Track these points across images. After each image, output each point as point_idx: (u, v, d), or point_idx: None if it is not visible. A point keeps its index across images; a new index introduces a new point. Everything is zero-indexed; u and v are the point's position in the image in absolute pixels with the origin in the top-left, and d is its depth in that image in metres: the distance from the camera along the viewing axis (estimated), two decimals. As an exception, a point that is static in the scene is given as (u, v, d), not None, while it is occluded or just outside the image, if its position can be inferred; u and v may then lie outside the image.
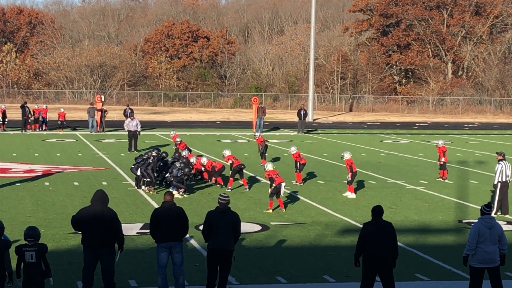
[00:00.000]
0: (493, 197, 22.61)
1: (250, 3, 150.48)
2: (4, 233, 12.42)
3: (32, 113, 50.07)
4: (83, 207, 13.69)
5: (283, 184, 22.15)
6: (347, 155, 25.41)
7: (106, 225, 12.98)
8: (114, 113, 61.72)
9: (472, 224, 13.42)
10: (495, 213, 21.37)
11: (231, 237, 13.41)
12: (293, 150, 27.93)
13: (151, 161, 24.75)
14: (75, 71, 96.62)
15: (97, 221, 12.93)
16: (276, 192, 22.09)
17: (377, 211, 13.02)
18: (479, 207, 22.47)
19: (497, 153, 22.84)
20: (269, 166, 22.88)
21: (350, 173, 25.07)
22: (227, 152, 27.14)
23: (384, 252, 12.73)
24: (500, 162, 22.04)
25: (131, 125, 38.91)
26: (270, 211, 22.00)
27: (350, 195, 24.99)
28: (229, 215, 13.50)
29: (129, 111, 49.61)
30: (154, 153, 25.18)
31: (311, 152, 38.87)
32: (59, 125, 50.78)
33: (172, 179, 24.23)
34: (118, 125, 53.70)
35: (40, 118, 50.73)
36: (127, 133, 39.23)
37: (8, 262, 12.10)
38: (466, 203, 23.95)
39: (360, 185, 27.56)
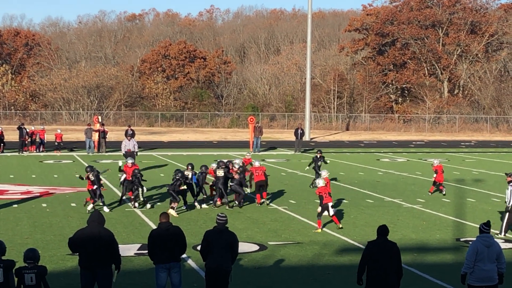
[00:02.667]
0: (502, 219, 22.37)
1: (246, 23, 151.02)
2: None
3: (29, 134, 50.07)
4: (80, 228, 13.67)
5: (330, 204, 22.16)
6: (320, 183, 23.17)
7: (103, 246, 12.97)
8: (112, 134, 61.71)
9: (470, 243, 13.40)
10: (504, 235, 21.32)
11: (228, 256, 13.40)
12: (257, 164, 28.03)
13: (174, 182, 25.06)
14: (72, 92, 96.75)
15: (94, 242, 12.91)
16: (323, 211, 22.13)
17: (382, 230, 12.99)
18: (477, 225, 22.48)
19: (506, 174, 22.55)
20: (321, 183, 22.75)
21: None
22: (257, 163, 27.67)
23: (387, 272, 12.69)
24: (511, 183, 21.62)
25: (128, 145, 38.91)
26: (319, 230, 22.03)
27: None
28: (227, 235, 13.50)
29: (131, 132, 49.75)
30: (179, 175, 25.27)
31: (308, 171, 38.86)
32: (56, 146, 50.71)
33: (168, 188, 25.03)
34: (116, 146, 53.70)
35: (38, 140, 50.70)
36: (123, 153, 39.21)
37: (12, 282, 12.02)
38: (463, 221, 23.95)
39: (358, 204, 27.56)
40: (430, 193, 30.50)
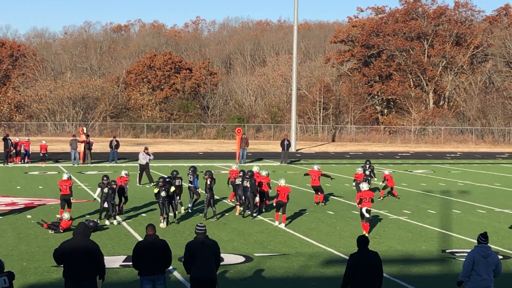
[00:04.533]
0: None
1: (232, 34, 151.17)
2: None
3: (14, 145, 49.84)
4: (65, 240, 13.59)
5: (364, 208, 23.04)
6: (364, 186, 24.39)
7: (88, 258, 12.91)
8: (97, 145, 61.55)
9: (468, 252, 13.46)
10: None
11: (213, 265, 13.40)
12: (316, 168, 30.70)
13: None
14: (57, 103, 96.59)
15: (80, 254, 12.84)
16: (362, 214, 23.17)
17: (362, 241, 13.00)
18: (463, 237, 22.57)
19: None
20: (365, 187, 23.53)
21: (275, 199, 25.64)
22: (315, 167, 30.80)
23: (369, 283, 12.68)
24: None
25: (144, 159, 38.85)
26: (364, 233, 22.96)
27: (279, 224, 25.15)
28: (210, 244, 13.51)
29: (115, 142, 49.70)
30: (160, 181, 25.11)
31: (294, 182, 38.87)
32: (41, 157, 50.54)
33: (159, 199, 24.75)
34: (102, 157, 53.56)
35: (22, 151, 50.47)
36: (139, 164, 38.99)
37: None
38: (449, 233, 23.97)
39: (343, 215, 27.57)
40: (381, 198, 32.39)
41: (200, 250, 13.32)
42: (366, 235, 22.81)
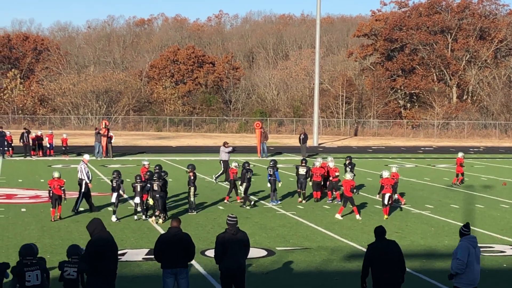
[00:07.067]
0: None
1: (255, 28, 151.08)
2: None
3: (37, 139, 50.23)
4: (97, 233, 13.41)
5: (388, 194, 24.99)
6: (385, 174, 26.12)
7: (116, 252, 13.12)
8: (120, 139, 61.78)
9: (459, 244, 13.27)
10: None
11: (243, 257, 13.70)
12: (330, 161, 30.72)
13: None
14: (80, 96, 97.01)
15: (114, 247, 12.99)
16: (384, 200, 25.16)
17: (379, 231, 12.98)
18: (486, 232, 22.46)
19: None
20: (386, 174, 25.57)
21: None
22: (324, 161, 31.09)
23: (388, 273, 12.64)
24: None
25: (224, 155, 36.62)
26: (385, 217, 25.32)
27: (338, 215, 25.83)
28: (241, 235, 13.77)
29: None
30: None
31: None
32: (63, 151, 50.83)
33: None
34: (123, 150, 53.77)
35: (46, 144, 50.81)
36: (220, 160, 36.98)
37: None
38: (472, 228, 23.74)
39: (366, 209, 27.51)
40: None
41: (232, 242, 13.56)
42: (386, 217, 24.94)
